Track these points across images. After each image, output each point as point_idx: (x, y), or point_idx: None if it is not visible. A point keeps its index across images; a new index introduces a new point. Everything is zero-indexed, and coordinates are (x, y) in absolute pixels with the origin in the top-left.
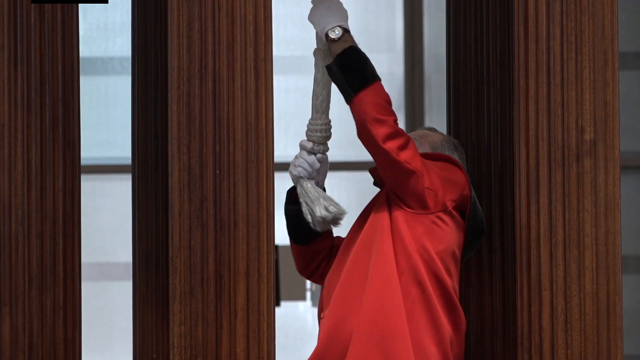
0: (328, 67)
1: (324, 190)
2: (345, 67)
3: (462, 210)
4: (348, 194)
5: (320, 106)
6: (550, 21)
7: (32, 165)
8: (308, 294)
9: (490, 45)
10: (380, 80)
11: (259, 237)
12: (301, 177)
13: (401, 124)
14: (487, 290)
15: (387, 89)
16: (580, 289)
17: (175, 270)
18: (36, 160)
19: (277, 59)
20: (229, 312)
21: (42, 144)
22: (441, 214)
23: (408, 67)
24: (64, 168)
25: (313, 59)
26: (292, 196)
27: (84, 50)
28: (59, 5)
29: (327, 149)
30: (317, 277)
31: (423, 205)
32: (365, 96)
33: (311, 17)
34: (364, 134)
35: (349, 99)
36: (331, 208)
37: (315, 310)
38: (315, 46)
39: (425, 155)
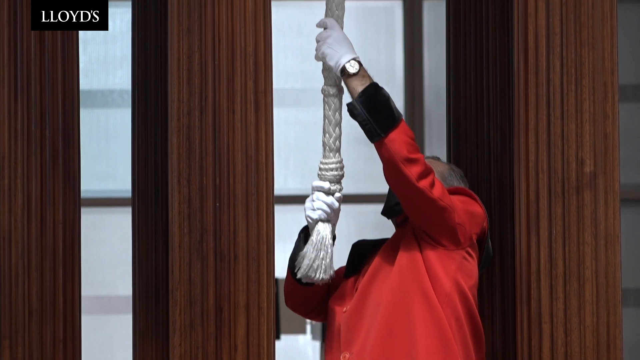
0: (351, 105)
1: (335, 237)
2: (372, 106)
3: (479, 242)
4: (348, 227)
5: (334, 144)
6: (550, 53)
7: (32, 198)
8: (308, 327)
9: (490, 77)
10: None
11: (259, 269)
12: (321, 220)
13: None
14: (487, 322)
15: None
16: (580, 322)
17: (175, 303)
18: (36, 193)
19: (277, 91)
20: (229, 345)
21: (42, 177)
22: (469, 249)
23: (408, 99)
24: (64, 201)
25: (313, 91)
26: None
27: (84, 83)
28: (59, 37)
29: (342, 188)
30: (316, 314)
31: (455, 242)
32: (396, 136)
33: (321, 51)
34: (396, 175)
35: (377, 139)
36: (319, 276)
37: (316, 343)
38: (323, 83)
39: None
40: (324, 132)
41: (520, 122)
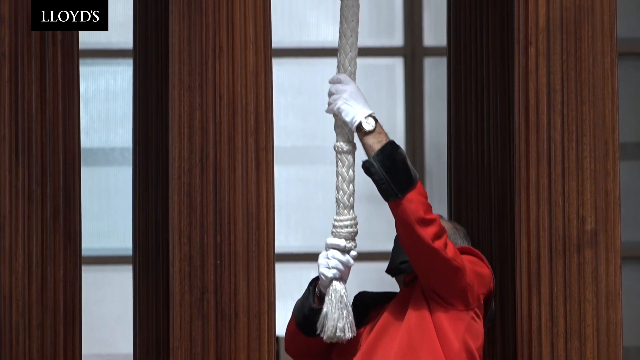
0: (367, 163)
1: None
2: (390, 166)
3: (485, 302)
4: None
5: (348, 201)
6: (551, 111)
7: (32, 256)
8: None
9: (491, 134)
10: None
11: (260, 327)
12: (336, 278)
13: None
14: None
15: None
16: None
17: None
18: (37, 251)
19: (278, 149)
20: None
21: (43, 235)
22: (477, 309)
23: (409, 156)
24: (65, 259)
25: (314, 149)
26: (317, 291)
27: (85, 141)
28: (60, 95)
29: (356, 245)
30: None
31: (465, 303)
32: (413, 196)
33: (337, 106)
34: (410, 234)
35: (393, 199)
36: (348, 335)
37: None
38: (335, 139)
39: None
40: (337, 189)
41: (521, 179)
